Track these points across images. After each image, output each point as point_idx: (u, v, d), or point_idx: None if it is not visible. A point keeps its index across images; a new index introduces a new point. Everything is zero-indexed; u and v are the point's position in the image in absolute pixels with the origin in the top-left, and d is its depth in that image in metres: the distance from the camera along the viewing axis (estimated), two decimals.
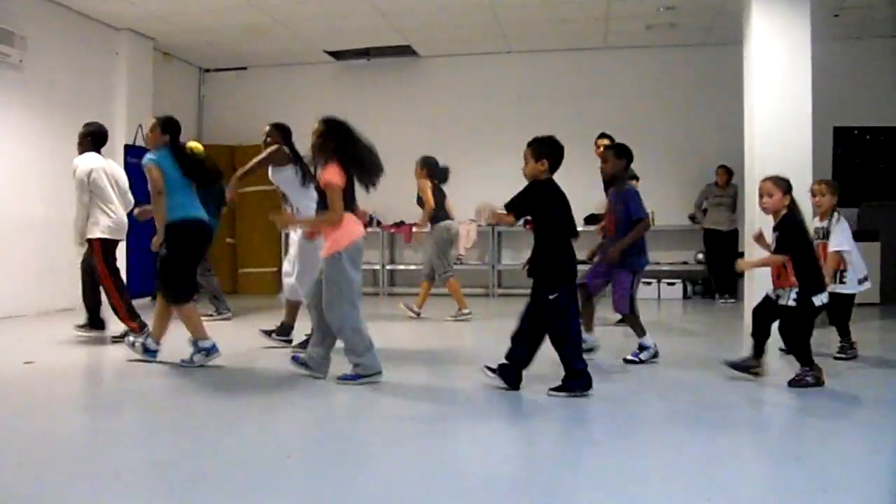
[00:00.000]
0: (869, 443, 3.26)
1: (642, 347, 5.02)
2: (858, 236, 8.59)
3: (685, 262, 9.94)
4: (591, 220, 10.11)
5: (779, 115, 6.89)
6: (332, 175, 4.29)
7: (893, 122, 9.53)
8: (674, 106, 10.08)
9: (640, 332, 5.04)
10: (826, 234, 5.23)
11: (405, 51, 10.29)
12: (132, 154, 9.17)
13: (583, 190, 10.84)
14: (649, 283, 9.81)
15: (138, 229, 8.80)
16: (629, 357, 4.99)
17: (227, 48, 10.17)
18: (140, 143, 9.32)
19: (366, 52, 10.37)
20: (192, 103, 11.18)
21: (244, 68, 11.18)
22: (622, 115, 10.24)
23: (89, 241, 5.90)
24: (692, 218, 9.95)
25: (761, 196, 4.34)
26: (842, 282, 5.17)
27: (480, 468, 2.97)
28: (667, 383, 4.47)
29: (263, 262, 10.64)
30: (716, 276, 9.36)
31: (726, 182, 9.26)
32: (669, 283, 9.77)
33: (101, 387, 4.56)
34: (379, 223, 10.57)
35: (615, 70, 10.25)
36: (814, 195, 5.27)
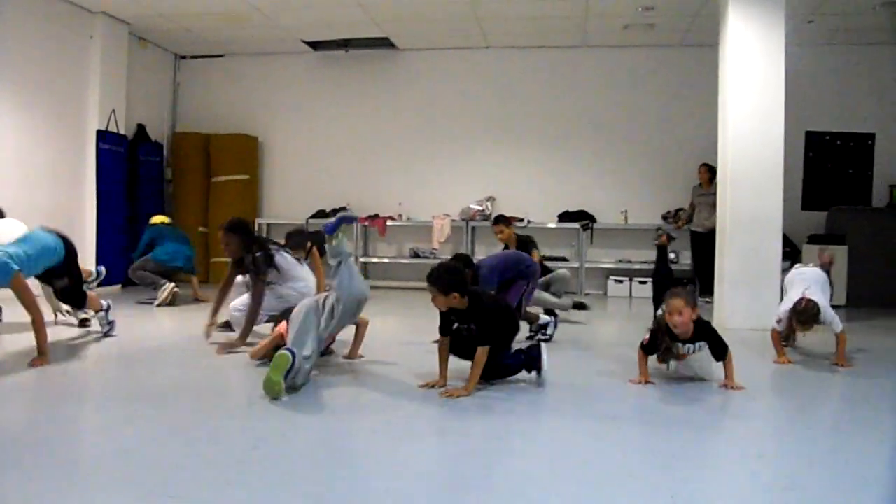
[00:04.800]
0: (828, 441, 3.33)
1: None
2: (826, 240, 8.81)
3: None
4: (563, 217, 10.19)
5: (752, 118, 6.97)
6: None
7: (863, 129, 9.70)
8: (649, 106, 10.15)
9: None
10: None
11: (383, 43, 10.25)
12: (104, 140, 9.06)
13: (556, 186, 10.91)
14: (621, 282, 9.89)
15: (103, 222, 8.82)
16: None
17: (204, 35, 10.06)
18: (113, 128, 9.22)
19: (344, 44, 10.32)
20: (166, 90, 11.05)
21: (221, 56, 11.07)
22: (598, 113, 10.33)
23: None
24: (664, 217, 10.03)
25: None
26: None
27: (445, 464, 2.99)
28: (628, 381, 4.51)
29: None
30: (699, 277, 9.41)
31: (709, 181, 9.07)
32: (641, 282, 9.85)
33: (64, 376, 4.50)
34: None
35: (592, 69, 10.30)
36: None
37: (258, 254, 5.15)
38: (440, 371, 4.16)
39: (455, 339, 4.22)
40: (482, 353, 4.02)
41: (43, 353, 4.54)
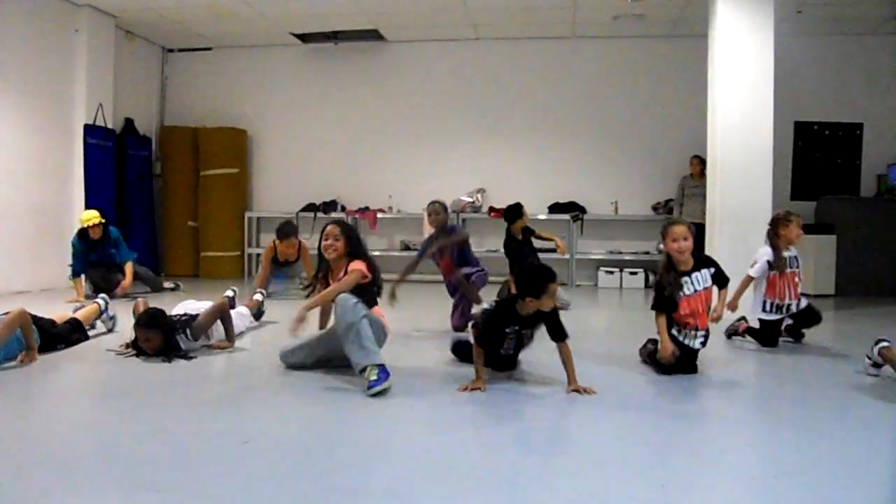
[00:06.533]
0: (820, 429, 3.34)
1: None
2: (815, 229, 8.85)
3: (647, 252, 10.06)
4: (554, 208, 10.20)
5: (741, 108, 6.98)
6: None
7: (852, 118, 9.74)
8: (639, 97, 10.16)
9: None
10: (797, 262, 5.42)
11: (373, 35, 10.21)
12: (92, 135, 9.00)
13: (546, 177, 10.91)
14: (612, 273, 9.91)
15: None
16: None
17: (192, 28, 10.00)
18: (100, 122, 9.15)
19: (333, 36, 10.28)
20: (154, 83, 10.97)
21: (209, 49, 11.01)
22: (588, 104, 10.33)
23: None
24: (655, 208, 10.06)
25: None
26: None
27: (439, 454, 2.98)
28: (621, 372, 4.53)
29: (225, 247, 10.54)
30: None
31: (700, 173, 9.01)
32: (632, 273, 9.88)
33: (52, 373, 4.48)
34: (343, 208, 10.53)
35: (582, 60, 10.29)
36: (786, 226, 5.34)
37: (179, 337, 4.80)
38: (478, 373, 3.95)
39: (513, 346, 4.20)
40: (568, 348, 3.98)
41: (31, 348, 4.51)
